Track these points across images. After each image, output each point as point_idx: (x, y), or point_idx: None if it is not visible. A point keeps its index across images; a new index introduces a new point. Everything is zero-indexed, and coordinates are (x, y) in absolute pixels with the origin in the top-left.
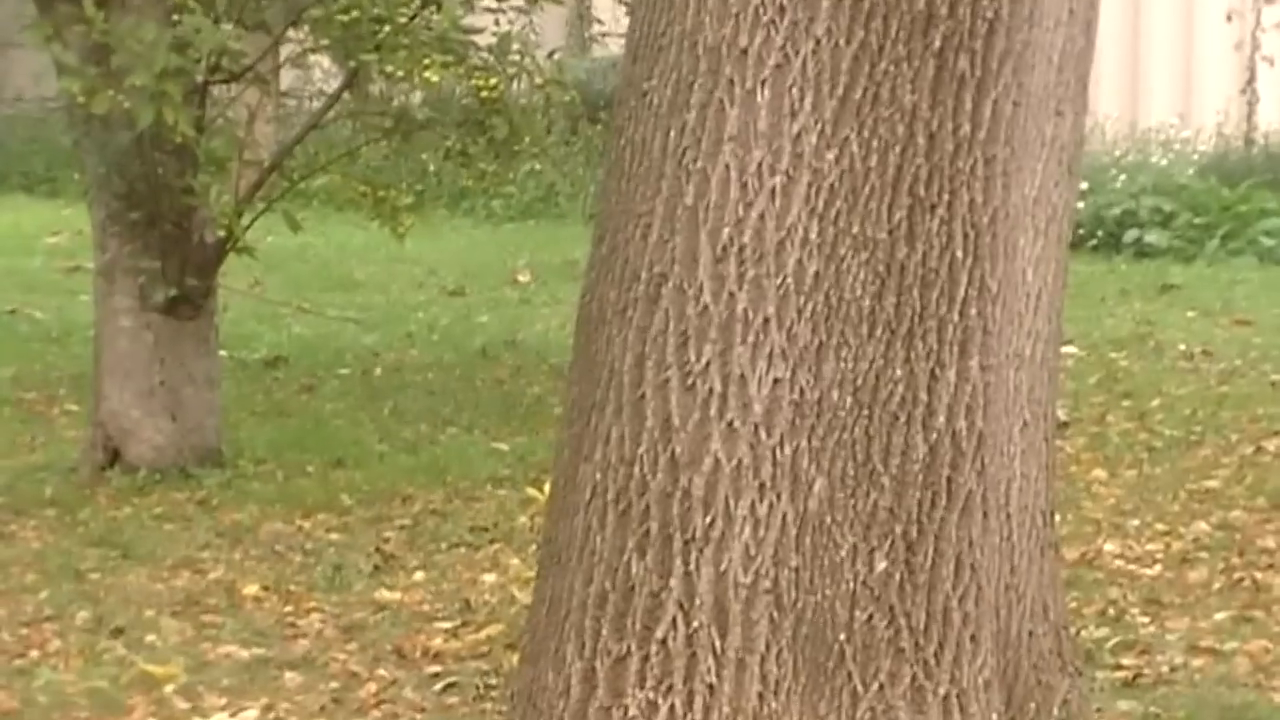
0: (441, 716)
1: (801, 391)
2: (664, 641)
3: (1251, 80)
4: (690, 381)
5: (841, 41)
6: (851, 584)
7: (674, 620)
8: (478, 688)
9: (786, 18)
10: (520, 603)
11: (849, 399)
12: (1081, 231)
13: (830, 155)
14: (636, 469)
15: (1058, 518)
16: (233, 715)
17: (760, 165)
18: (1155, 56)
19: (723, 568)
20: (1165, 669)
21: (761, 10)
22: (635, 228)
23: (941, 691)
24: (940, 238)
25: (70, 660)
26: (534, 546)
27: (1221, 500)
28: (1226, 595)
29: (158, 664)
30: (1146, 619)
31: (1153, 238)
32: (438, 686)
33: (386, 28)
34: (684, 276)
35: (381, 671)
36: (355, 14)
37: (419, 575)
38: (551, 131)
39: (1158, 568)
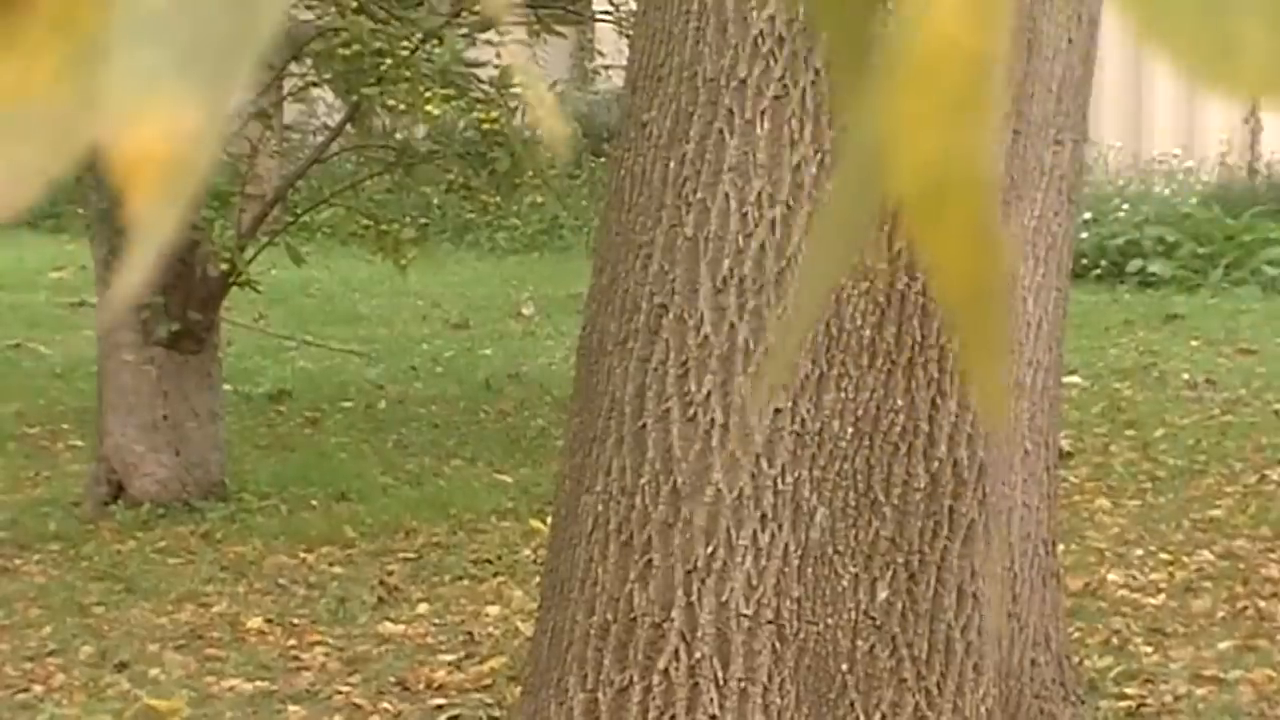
0: None
1: (803, 422)
2: (666, 672)
3: (1255, 109)
4: (691, 412)
5: None
6: (853, 614)
7: (676, 651)
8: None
9: (785, 49)
10: (523, 635)
11: (850, 429)
12: (1085, 261)
13: (830, 185)
14: (638, 500)
15: (1061, 547)
16: None
17: (760, 195)
18: (1158, 86)
19: (725, 598)
20: (1169, 698)
21: (760, 41)
22: (635, 258)
23: None
24: None
25: (74, 695)
26: (537, 579)
27: (1225, 529)
28: (1230, 624)
29: (161, 698)
30: (1150, 648)
31: (1156, 267)
32: (441, 719)
33: (388, 61)
34: (684, 307)
35: (385, 704)
36: (357, 48)
37: (422, 608)
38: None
39: (1161, 597)
